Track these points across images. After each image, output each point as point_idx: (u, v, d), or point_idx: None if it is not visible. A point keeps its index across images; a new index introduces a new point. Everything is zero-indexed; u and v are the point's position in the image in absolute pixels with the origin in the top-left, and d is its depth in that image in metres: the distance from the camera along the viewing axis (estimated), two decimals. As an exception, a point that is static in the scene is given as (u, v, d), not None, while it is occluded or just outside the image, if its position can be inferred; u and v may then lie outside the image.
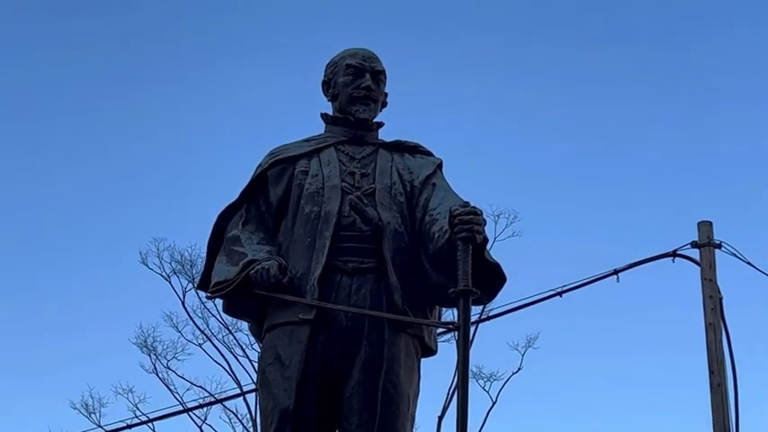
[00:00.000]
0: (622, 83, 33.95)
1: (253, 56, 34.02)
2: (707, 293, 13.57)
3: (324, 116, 5.58)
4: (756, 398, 28.10)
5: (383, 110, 5.55)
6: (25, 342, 33.46)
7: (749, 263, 13.84)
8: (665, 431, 30.59)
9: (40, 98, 33.14)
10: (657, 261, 14.24)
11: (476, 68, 33.21)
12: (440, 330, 5.95)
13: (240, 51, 33.69)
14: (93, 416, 23.27)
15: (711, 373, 13.28)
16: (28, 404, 31.77)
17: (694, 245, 13.79)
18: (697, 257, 13.80)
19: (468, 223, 4.74)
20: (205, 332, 24.05)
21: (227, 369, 23.59)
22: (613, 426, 30.74)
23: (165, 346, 24.23)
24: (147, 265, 24.51)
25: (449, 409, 21.17)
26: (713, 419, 13.06)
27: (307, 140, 5.48)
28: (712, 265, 13.64)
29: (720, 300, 13.53)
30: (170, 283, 24.39)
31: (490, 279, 4.96)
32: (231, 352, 23.80)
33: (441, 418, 21.18)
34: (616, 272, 14.30)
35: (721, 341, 13.33)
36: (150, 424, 21.07)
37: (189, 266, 23.98)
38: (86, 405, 23.58)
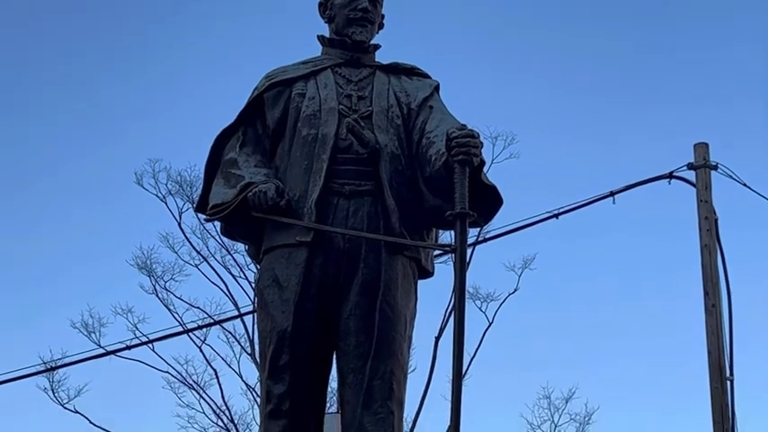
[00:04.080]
0: (620, 8, 33.66)
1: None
2: (702, 215, 13.59)
3: (320, 38, 5.55)
4: (751, 318, 28.29)
5: (380, 32, 5.53)
6: (24, 262, 33.51)
7: (745, 184, 13.85)
8: (661, 351, 30.80)
9: (34, 22, 32.82)
10: (654, 183, 14.23)
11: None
12: (437, 252, 5.98)
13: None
14: (93, 335, 23.33)
15: (706, 294, 13.36)
16: (28, 323, 31.94)
17: (690, 166, 13.77)
18: (693, 179, 13.79)
19: (465, 146, 4.75)
20: (202, 252, 24.07)
21: (225, 290, 23.69)
22: (607, 347, 31.04)
23: (163, 268, 24.27)
24: (142, 186, 24.45)
25: (446, 329, 21.28)
26: (708, 340, 13.17)
27: (304, 63, 5.46)
28: (708, 187, 13.64)
29: (716, 221, 13.56)
30: (166, 204, 24.35)
31: (487, 201, 4.97)
32: (229, 272, 23.86)
33: (438, 339, 21.25)
34: (612, 194, 14.29)
35: (716, 262, 13.39)
36: (150, 344, 21.24)
37: (188, 187, 23.91)
38: (86, 324, 23.61)
